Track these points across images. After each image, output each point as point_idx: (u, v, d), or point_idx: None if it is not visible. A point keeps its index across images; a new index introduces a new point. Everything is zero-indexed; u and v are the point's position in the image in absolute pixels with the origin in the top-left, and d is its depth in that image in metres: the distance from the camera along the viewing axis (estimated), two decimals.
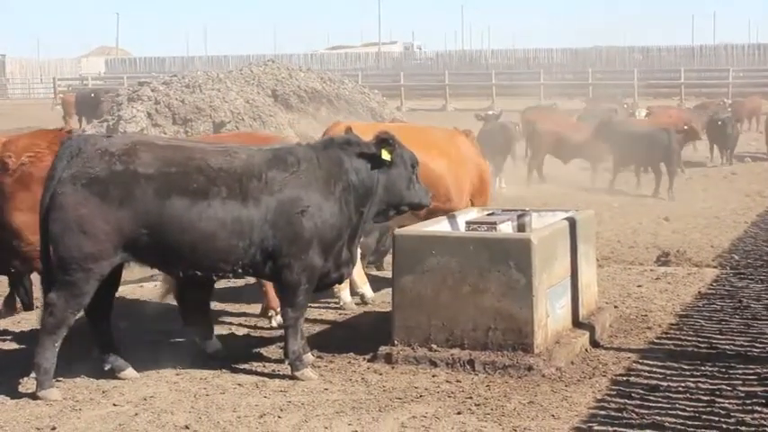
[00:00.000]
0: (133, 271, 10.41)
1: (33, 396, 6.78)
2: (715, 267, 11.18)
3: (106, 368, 7.22)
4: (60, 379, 7.17)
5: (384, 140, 7.44)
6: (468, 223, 8.19)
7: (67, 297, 6.79)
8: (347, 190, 7.30)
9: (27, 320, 9.17)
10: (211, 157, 7.05)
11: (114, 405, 6.62)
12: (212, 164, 7.00)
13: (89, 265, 6.79)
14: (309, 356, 7.45)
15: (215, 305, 9.58)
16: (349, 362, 7.51)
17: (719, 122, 23.62)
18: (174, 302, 9.73)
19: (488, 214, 8.66)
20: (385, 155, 7.41)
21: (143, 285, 10.74)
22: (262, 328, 8.76)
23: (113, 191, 6.77)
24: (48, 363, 6.81)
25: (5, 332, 8.77)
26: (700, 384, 6.83)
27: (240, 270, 7.20)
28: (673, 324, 8.56)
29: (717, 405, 6.38)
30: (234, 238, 6.97)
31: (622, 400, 6.50)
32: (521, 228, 8.37)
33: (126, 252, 6.91)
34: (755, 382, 6.86)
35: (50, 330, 6.82)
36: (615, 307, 9.16)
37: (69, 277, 6.78)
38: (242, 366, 7.42)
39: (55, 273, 6.84)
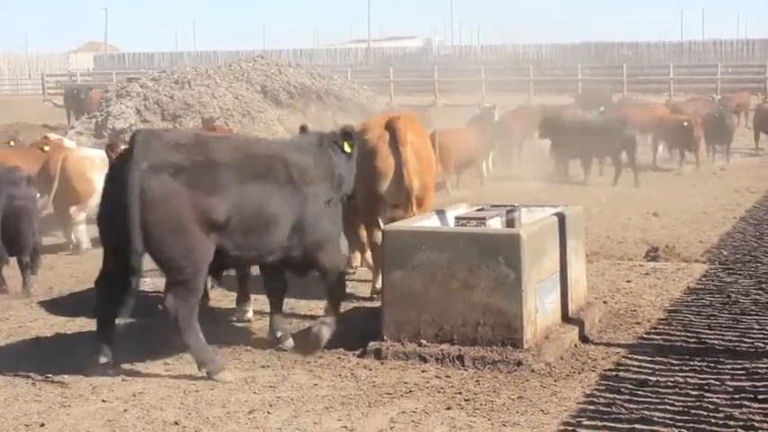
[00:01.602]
0: None
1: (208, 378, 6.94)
2: (704, 263, 11.20)
3: (102, 361, 7.16)
4: (49, 375, 7.16)
5: (348, 134, 7.89)
6: (458, 219, 8.19)
7: (186, 296, 6.88)
8: (339, 180, 7.81)
9: (15, 317, 9.14)
10: (260, 146, 7.56)
11: (103, 401, 6.61)
12: (265, 151, 7.42)
13: (196, 258, 6.87)
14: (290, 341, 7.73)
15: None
16: (338, 357, 7.51)
17: (717, 116, 23.57)
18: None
19: (477, 210, 8.66)
20: (347, 147, 7.85)
21: None
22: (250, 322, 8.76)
23: (202, 180, 6.86)
24: (207, 352, 7.02)
25: None
26: (688, 379, 6.85)
27: (281, 254, 7.48)
28: (662, 319, 8.58)
29: (705, 400, 6.40)
30: (290, 219, 7.34)
31: (611, 395, 6.52)
32: (510, 223, 8.37)
33: (217, 239, 6.98)
34: (744, 377, 6.88)
35: (188, 328, 6.93)
36: (604, 302, 9.17)
37: (182, 276, 6.85)
38: (231, 362, 7.42)
39: (166, 277, 6.91)
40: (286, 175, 7.33)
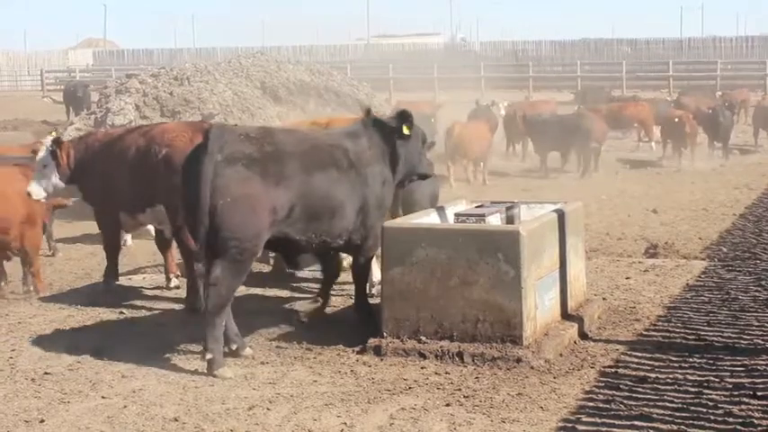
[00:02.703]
0: (119, 262, 10.43)
1: (209, 373, 7.01)
2: (703, 259, 11.20)
3: (233, 348, 7.40)
4: (49, 372, 7.16)
5: (405, 117, 8.22)
6: (457, 215, 8.20)
7: (234, 276, 7.12)
8: (394, 164, 8.17)
9: (15, 313, 9.14)
10: (320, 136, 7.93)
11: (103, 398, 6.62)
12: (326, 141, 7.78)
13: (256, 242, 7.15)
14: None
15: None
16: (338, 354, 7.51)
17: (711, 111, 23.61)
18: (161, 294, 9.75)
19: (477, 206, 8.66)
20: (405, 130, 8.17)
21: (131, 278, 10.73)
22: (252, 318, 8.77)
23: (271, 170, 7.19)
24: (219, 342, 7.11)
25: None
26: (688, 376, 6.85)
27: (346, 238, 7.83)
28: (661, 316, 8.58)
29: (704, 396, 6.40)
30: (355, 205, 7.75)
31: (611, 392, 6.52)
32: (509, 220, 8.38)
33: (278, 226, 7.29)
34: (743, 374, 6.88)
35: (218, 310, 7.06)
36: (604, 299, 9.17)
37: (240, 257, 7.07)
38: (230, 358, 7.41)
39: (221, 254, 7.02)
40: (347, 162, 7.72)
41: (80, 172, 9.85)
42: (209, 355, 7.02)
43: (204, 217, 6.95)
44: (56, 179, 9.77)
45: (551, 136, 21.01)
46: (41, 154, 9.81)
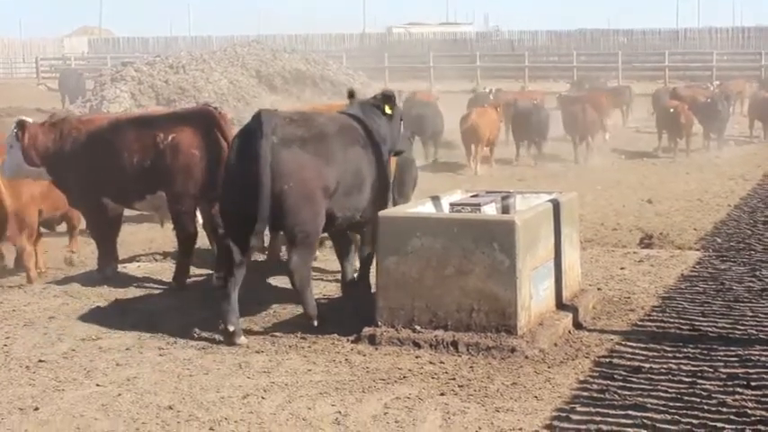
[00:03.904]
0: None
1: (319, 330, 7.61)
2: (698, 250, 11.21)
3: (231, 329, 7.49)
4: (43, 359, 7.16)
5: (388, 97, 8.52)
6: (453, 205, 8.20)
7: (307, 256, 7.70)
8: (384, 141, 8.40)
9: (8, 301, 9.13)
10: (336, 116, 8.24)
11: (97, 385, 6.61)
12: (348, 120, 8.14)
13: (319, 222, 7.64)
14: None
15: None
16: (332, 343, 7.51)
17: (708, 101, 23.63)
18: (156, 282, 9.75)
19: (472, 196, 8.67)
20: (388, 109, 8.43)
21: (126, 267, 10.72)
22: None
23: (321, 152, 7.58)
24: (315, 308, 7.73)
25: None
26: (682, 366, 6.86)
27: (361, 213, 8.15)
28: (655, 306, 8.59)
29: (698, 386, 6.41)
30: (370, 180, 8.07)
31: (605, 382, 6.52)
32: (505, 210, 8.38)
33: (327, 204, 7.68)
34: (737, 364, 6.89)
35: (304, 287, 7.65)
36: (598, 289, 9.18)
37: (307, 240, 7.60)
38: (225, 347, 7.42)
39: (290, 241, 7.59)
40: (363, 140, 8.06)
41: (54, 157, 9.74)
42: (315, 322, 7.65)
43: (267, 197, 7.27)
44: (20, 160, 9.75)
45: (522, 124, 21.52)
46: (8, 135, 9.91)
